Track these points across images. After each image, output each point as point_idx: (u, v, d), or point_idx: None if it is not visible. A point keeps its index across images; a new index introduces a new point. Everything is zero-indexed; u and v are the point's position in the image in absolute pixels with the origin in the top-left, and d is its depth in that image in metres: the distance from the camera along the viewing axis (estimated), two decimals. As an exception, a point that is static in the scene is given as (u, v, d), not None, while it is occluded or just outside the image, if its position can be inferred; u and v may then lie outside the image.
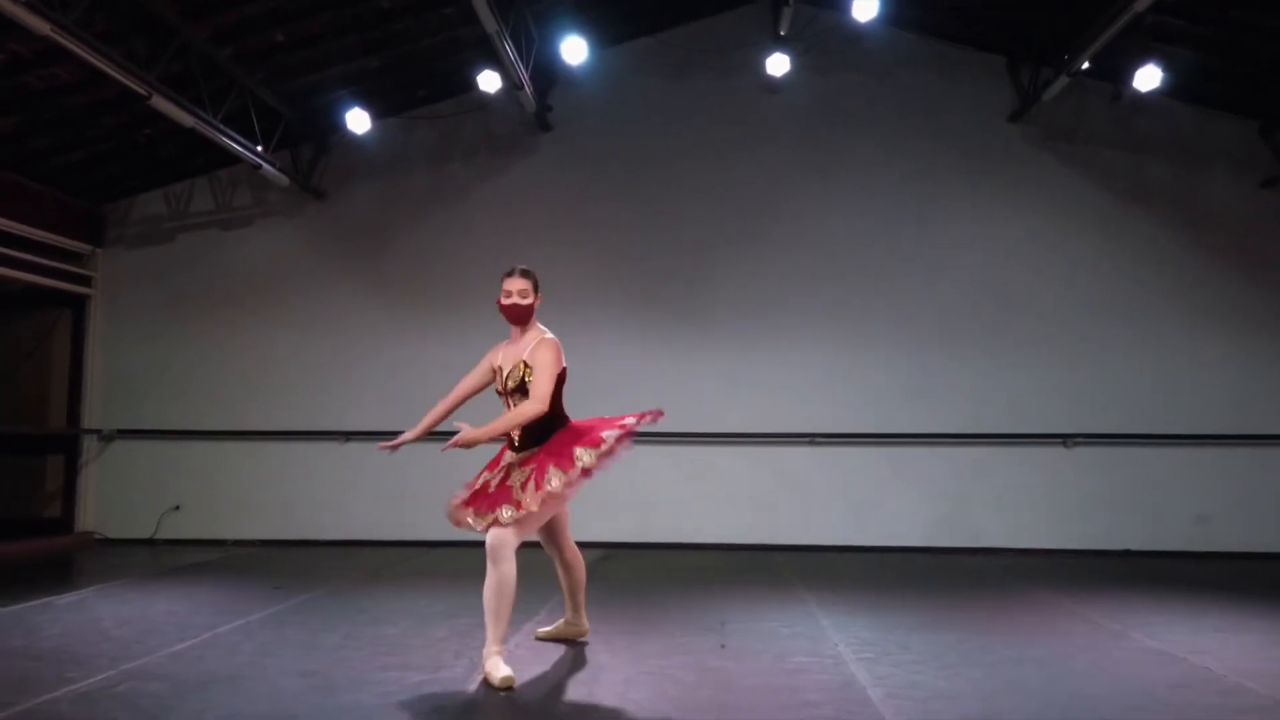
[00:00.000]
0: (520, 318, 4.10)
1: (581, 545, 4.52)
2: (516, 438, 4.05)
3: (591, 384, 8.78)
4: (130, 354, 9.01)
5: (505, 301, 4.10)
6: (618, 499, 8.46)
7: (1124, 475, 8.41)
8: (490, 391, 4.26)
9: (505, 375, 4.07)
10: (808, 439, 8.50)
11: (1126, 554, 8.19)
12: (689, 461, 8.59)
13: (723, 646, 4.44)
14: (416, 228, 9.06)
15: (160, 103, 6.64)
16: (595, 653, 4.34)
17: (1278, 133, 8.45)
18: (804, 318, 8.68)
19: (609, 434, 3.94)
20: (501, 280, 4.15)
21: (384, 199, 9.17)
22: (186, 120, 6.97)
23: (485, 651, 3.81)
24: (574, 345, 9.05)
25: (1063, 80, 7.78)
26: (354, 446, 8.68)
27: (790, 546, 8.37)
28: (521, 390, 4.00)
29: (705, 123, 9.01)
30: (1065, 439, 8.45)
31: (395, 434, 4.24)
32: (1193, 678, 3.88)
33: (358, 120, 8.36)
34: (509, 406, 4.05)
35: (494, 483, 4.00)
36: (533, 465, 3.91)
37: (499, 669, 3.71)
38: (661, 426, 4.35)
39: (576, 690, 3.69)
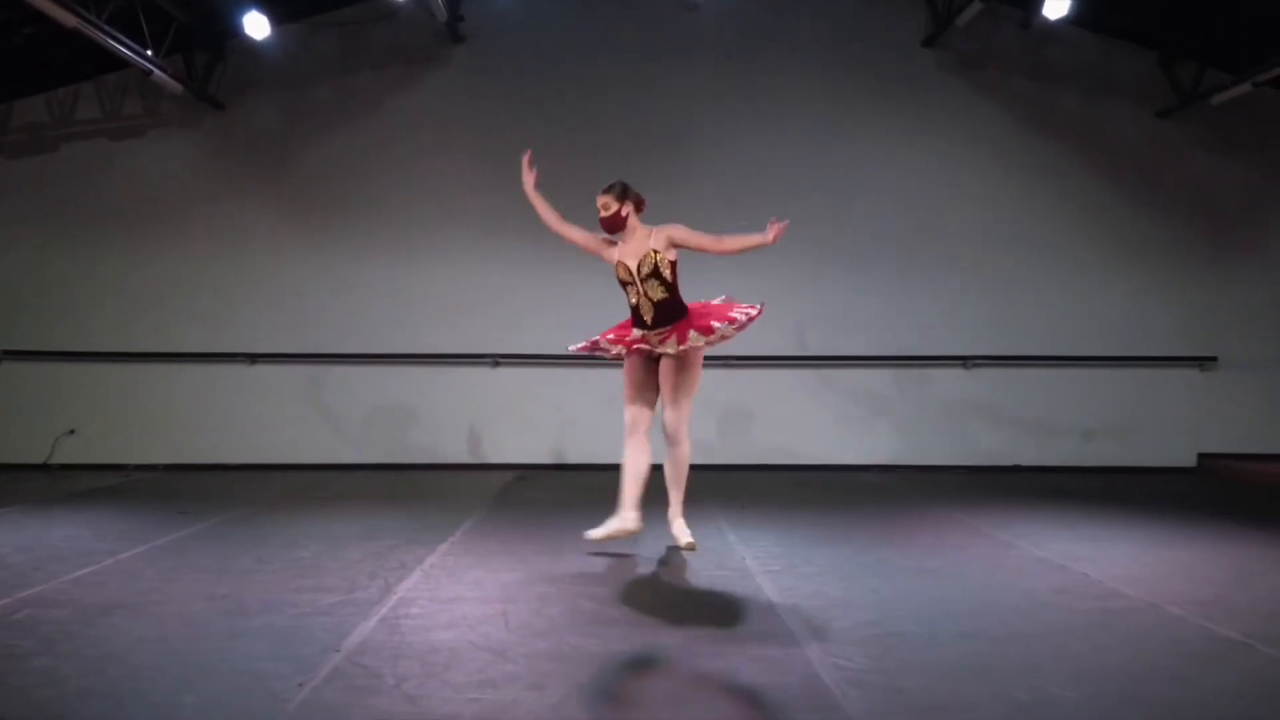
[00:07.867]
0: (611, 226, 4.85)
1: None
2: (649, 318, 4.69)
3: (502, 305, 8.76)
4: (12, 269, 8.55)
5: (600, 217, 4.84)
6: (534, 422, 8.51)
7: (1017, 395, 8.81)
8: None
9: (637, 266, 4.71)
10: (721, 362, 8.62)
11: (1017, 469, 8.64)
12: (604, 384, 8.63)
13: (635, 563, 4.56)
14: (322, 141, 8.72)
15: (39, 0, 6.17)
16: (511, 570, 4.40)
17: (1175, 64, 8.72)
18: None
19: (726, 324, 4.67)
20: None
21: (287, 110, 8.78)
22: (69, 20, 6.50)
23: (670, 514, 4.80)
24: (479, 265, 8.87)
25: (976, 5, 7.85)
26: (261, 369, 8.47)
27: (705, 466, 8.52)
28: (656, 275, 4.66)
29: (624, 38, 8.83)
30: (965, 360, 8.78)
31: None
32: (1072, 583, 4.15)
33: (256, 24, 7.92)
34: (640, 294, 4.71)
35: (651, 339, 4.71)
36: (673, 332, 4.62)
37: (683, 533, 4.73)
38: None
39: (489, 607, 3.75)
